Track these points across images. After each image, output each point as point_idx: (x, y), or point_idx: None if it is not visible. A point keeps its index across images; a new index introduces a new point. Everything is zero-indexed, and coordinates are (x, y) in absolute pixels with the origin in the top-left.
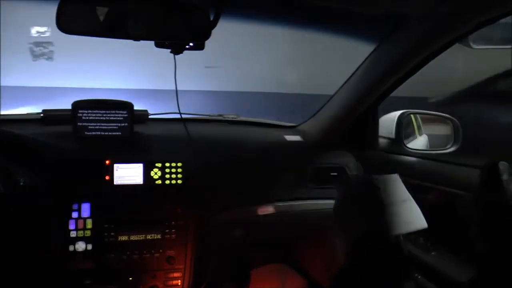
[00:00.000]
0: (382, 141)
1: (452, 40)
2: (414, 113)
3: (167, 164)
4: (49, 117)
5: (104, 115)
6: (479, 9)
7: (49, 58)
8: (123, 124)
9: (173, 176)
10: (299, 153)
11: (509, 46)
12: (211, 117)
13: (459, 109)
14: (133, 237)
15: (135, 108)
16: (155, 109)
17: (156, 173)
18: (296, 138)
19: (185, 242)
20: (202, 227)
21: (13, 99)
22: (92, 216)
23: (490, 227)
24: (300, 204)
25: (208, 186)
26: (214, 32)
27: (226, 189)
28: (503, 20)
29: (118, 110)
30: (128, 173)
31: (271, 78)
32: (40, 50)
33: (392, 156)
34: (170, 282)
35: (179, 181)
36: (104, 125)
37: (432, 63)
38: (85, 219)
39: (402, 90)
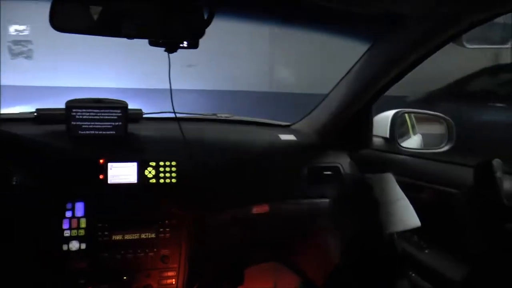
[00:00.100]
0: (376, 140)
1: (446, 39)
2: (408, 112)
3: (161, 163)
4: (43, 116)
5: (98, 114)
6: (473, 9)
7: (28, 56)
8: (117, 123)
9: (167, 175)
10: (293, 152)
11: (502, 46)
12: (205, 116)
13: (434, 107)
14: (127, 236)
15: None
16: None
17: (150, 172)
18: (290, 137)
19: (180, 241)
20: (197, 226)
21: None
22: (86, 215)
23: (484, 225)
24: (294, 203)
25: (202, 185)
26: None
27: (220, 188)
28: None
29: (112, 109)
30: (122, 172)
31: (261, 76)
32: (18, 49)
33: (386, 155)
34: (164, 281)
35: (173, 180)
36: (98, 124)
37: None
38: (79, 218)
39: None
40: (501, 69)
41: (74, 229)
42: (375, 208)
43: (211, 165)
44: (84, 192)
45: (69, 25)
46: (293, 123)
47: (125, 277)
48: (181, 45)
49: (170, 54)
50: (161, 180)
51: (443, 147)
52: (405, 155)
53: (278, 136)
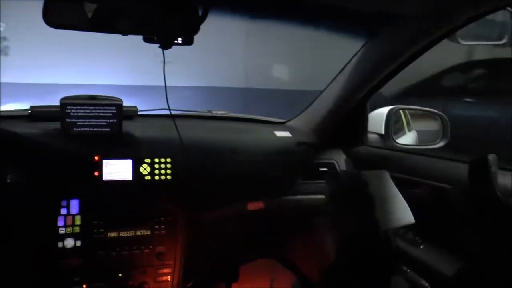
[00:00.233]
0: (371, 136)
1: (441, 35)
2: (403, 109)
3: (156, 160)
4: (37, 113)
5: (93, 111)
6: (467, 5)
7: (5, 54)
8: (112, 120)
9: (162, 172)
10: (289, 149)
11: (497, 42)
12: (200, 113)
13: (408, 102)
14: (122, 233)
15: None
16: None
17: (145, 169)
18: (286, 134)
19: (175, 238)
20: (192, 223)
21: None
22: (81, 212)
23: (479, 220)
24: (289, 200)
25: (197, 182)
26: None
27: (216, 185)
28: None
29: (107, 106)
30: (117, 169)
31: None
32: None
33: (381, 151)
34: (160, 278)
35: (169, 177)
36: (93, 121)
37: None
38: (74, 215)
39: None
40: (473, 65)
41: (69, 226)
42: (370, 205)
43: (206, 162)
44: (79, 189)
45: (63, 21)
46: (288, 120)
47: (120, 274)
48: (175, 41)
49: (158, 51)
50: (156, 177)
51: (438, 143)
52: (400, 151)
53: (274, 133)
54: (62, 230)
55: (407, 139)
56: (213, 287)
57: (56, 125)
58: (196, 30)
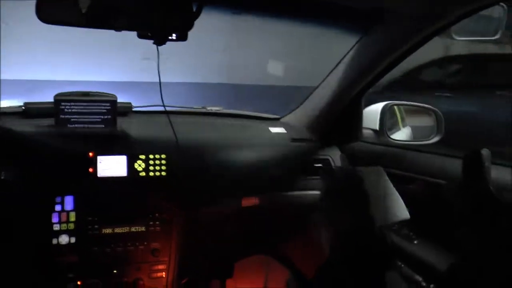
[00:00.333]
0: (366, 132)
1: (434, 31)
2: (397, 105)
3: (151, 156)
4: (31, 110)
5: (87, 107)
6: (460, 1)
7: None
8: (106, 117)
9: (157, 168)
10: (283, 145)
11: (490, 38)
12: (195, 110)
13: (381, 97)
14: (117, 230)
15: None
16: None
17: (140, 165)
18: (280, 130)
19: (170, 234)
20: (187, 219)
21: None
22: (75, 209)
23: (474, 215)
24: (284, 196)
25: (192, 178)
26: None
27: (211, 181)
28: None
29: (101, 103)
30: (111, 165)
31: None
32: None
33: (376, 147)
34: (155, 275)
35: (163, 173)
36: (87, 118)
37: None
38: (68, 212)
39: None
40: (448, 60)
41: (63, 223)
42: (365, 201)
43: (201, 158)
44: (74, 185)
45: (56, 17)
46: (283, 116)
47: (115, 271)
48: (169, 37)
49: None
50: (151, 173)
51: (432, 138)
52: (395, 147)
53: (268, 129)
54: (56, 227)
55: (402, 135)
56: (208, 284)
57: (50, 121)
58: (190, 26)
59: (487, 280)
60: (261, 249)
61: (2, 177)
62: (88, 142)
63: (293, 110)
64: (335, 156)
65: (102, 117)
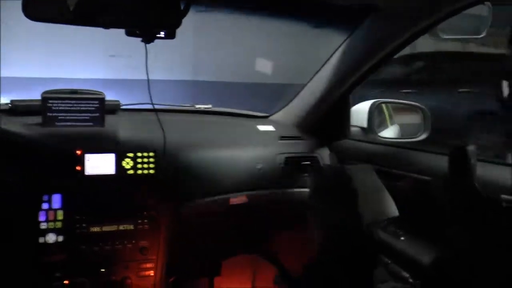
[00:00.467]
0: (354, 130)
1: (422, 29)
2: (385, 103)
3: (139, 154)
4: (18, 107)
5: (75, 105)
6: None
7: None
8: (94, 114)
9: (145, 166)
10: (272, 143)
11: (477, 36)
12: (183, 108)
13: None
14: (105, 228)
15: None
16: None
17: (128, 163)
18: (269, 128)
19: (158, 232)
20: (175, 217)
21: None
22: (63, 207)
23: (460, 211)
24: (272, 193)
25: (180, 176)
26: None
27: (199, 179)
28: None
29: (90, 100)
30: (99, 163)
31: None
32: None
33: (364, 145)
34: (143, 273)
35: (152, 171)
36: (75, 116)
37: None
38: (55, 210)
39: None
40: (413, 58)
41: (51, 221)
42: (353, 198)
43: (189, 156)
44: (61, 184)
45: (44, 14)
46: (271, 114)
47: (103, 270)
48: (157, 35)
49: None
50: (139, 171)
51: (419, 136)
52: (383, 144)
53: (257, 127)
54: (43, 225)
55: (390, 132)
56: (196, 282)
57: (38, 119)
58: (178, 23)
59: (473, 275)
60: (249, 247)
61: None
62: (75, 140)
63: (281, 108)
64: (323, 154)
65: (90, 115)
